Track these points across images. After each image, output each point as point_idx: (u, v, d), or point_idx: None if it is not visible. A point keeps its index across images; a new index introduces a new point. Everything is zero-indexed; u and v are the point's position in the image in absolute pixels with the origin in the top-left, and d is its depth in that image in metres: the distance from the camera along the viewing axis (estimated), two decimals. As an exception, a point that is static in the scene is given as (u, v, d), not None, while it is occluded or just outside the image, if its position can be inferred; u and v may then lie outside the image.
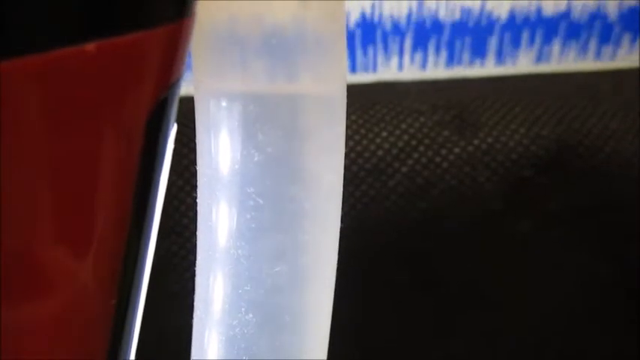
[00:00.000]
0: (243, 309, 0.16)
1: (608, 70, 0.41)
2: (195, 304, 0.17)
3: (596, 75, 0.39)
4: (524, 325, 0.36)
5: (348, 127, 0.32)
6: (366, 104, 0.33)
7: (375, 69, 0.42)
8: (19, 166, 0.11)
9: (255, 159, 0.15)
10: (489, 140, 0.31)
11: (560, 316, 0.35)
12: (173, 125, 0.13)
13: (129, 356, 0.18)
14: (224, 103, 0.16)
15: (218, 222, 0.16)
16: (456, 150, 0.31)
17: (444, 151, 0.31)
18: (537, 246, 0.33)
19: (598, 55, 0.43)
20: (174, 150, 0.32)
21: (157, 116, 0.12)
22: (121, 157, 0.12)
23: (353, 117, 0.32)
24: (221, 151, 0.16)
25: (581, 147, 0.32)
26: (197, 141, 0.17)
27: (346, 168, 0.34)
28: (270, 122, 0.16)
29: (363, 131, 0.32)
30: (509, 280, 0.34)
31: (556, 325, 0.36)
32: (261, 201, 0.16)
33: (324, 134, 0.18)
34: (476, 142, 0.31)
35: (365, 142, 0.31)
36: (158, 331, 0.31)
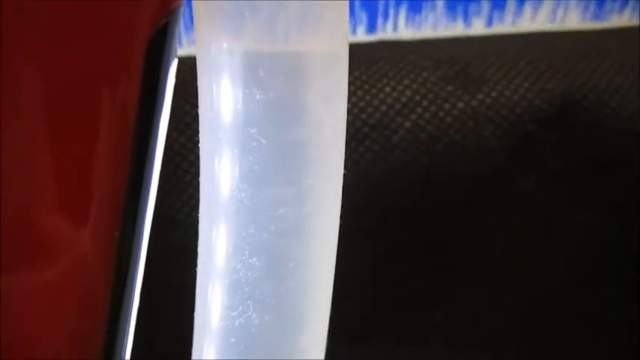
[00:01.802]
0: (246, 252, 0.16)
1: (614, 28, 0.41)
2: (199, 250, 0.17)
3: (602, 32, 0.39)
4: (529, 283, 0.36)
5: (350, 83, 0.32)
6: (368, 60, 0.33)
7: (375, 30, 0.41)
8: (15, 98, 0.11)
9: (257, 97, 0.15)
10: (493, 94, 0.31)
11: (565, 272, 0.36)
12: (174, 59, 0.13)
13: (130, 322, 0.18)
14: (225, 44, 0.16)
15: (220, 165, 0.16)
16: (460, 104, 0.31)
17: (447, 106, 0.31)
18: (542, 201, 0.33)
19: (604, 14, 0.43)
20: (176, 107, 0.32)
21: (157, 44, 0.11)
22: (120, 90, 0.12)
23: (356, 73, 0.32)
24: (222, 92, 0.16)
25: (587, 101, 0.32)
26: (198, 86, 0.17)
27: (349, 123, 0.33)
28: (271, 63, 0.16)
29: (366, 87, 0.31)
30: (514, 237, 0.34)
31: (561, 282, 0.36)
32: (263, 141, 0.15)
33: (326, 82, 0.17)
34: (480, 96, 0.31)
35: (368, 97, 0.31)
36: (163, 288, 0.31)
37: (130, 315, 0.18)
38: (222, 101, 0.16)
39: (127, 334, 0.18)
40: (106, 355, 0.17)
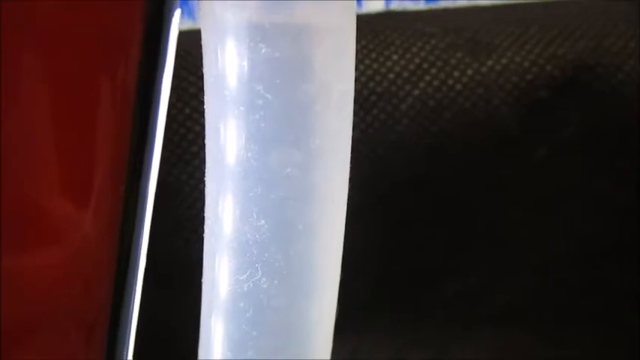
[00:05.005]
0: (254, 214, 0.16)
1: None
2: (206, 214, 0.17)
3: (615, 0, 0.38)
4: (542, 254, 0.36)
5: (358, 51, 0.32)
6: (376, 29, 0.32)
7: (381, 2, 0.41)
8: (16, 83, 0.10)
9: (263, 51, 0.15)
10: (503, 61, 0.31)
11: (578, 244, 0.35)
12: (176, 7, 0.13)
13: (134, 300, 0.17)
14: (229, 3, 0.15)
15: (226, 125, 0.16)
16: (469, 72, 0.31)
17: (456, 73, 0.31)
18: (555, 170, 0.33)
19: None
20: (181, 78, 0.31)
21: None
22: (121, 58, 0.11)
23: (363, 42, 0.32)
24: (227, 48, 0.15)
25: (600, 67, 0.31)
26: (202, 45, 0.16)
27: (357, 92, 0.33)
28: (278, 27, 0.16)
29: (373, 55, 0.31)
30: (526, 207, 0.34)
31: (574, 254, 0.36)
32: (270, 97, 0.15)
33: (333, 43, 0.17)
34: (490, 63, 0.31)
35: (376, 65, 0.31)
36: (170, 262, 0.31)
37: (134, 295, 0.18)
38: (227, 58, 0.15)
39: (132, 316, 0.18)
40: (111, 335, 0.16)
